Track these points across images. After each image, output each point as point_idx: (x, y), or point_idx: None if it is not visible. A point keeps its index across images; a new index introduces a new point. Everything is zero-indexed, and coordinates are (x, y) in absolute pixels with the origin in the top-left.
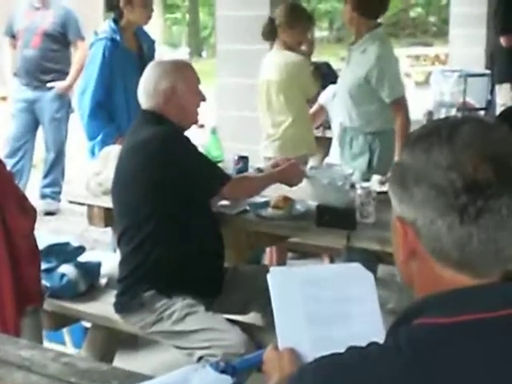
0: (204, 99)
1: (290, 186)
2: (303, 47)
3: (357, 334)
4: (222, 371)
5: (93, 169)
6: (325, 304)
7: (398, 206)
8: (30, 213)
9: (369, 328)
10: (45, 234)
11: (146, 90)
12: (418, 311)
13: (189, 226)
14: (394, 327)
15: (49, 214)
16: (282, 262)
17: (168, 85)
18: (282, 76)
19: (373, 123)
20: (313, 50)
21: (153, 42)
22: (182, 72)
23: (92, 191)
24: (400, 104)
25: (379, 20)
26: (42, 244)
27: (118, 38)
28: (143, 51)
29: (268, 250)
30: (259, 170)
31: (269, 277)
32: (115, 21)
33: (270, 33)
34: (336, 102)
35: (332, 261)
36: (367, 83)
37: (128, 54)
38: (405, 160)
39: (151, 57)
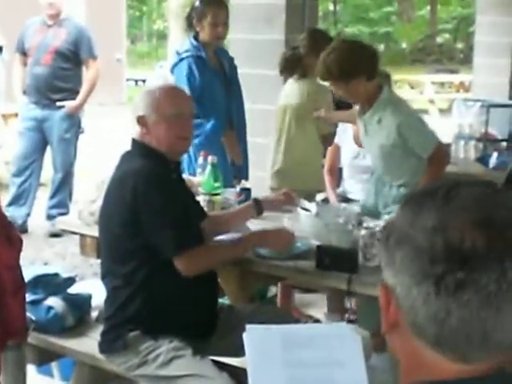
0: (182, 135)
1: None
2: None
3: None
4: None
5: (88, 196)
6: (307, 368)
7: (383, 269)
8: (15, 243)
9: None
10: (35, 264)
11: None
12: None
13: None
14: None
15: (54, 235)
16: (288, 297)
17: (140, 114)
18: (302, 102)
19: (416, 176)
20: None
21: (232, 59)
22: (154, 100)
23: (84, 220)
24: (437, 154)
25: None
26: (29, 275)
27: (203, 54)
28: (225, 69)
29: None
30: (256, 201)
31: (245, 336)
32: (195, 38)
33: (294, 61)
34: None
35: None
36: (396, 150)
37: (214, 70)
38: (395, 219)
39: (235, 75)
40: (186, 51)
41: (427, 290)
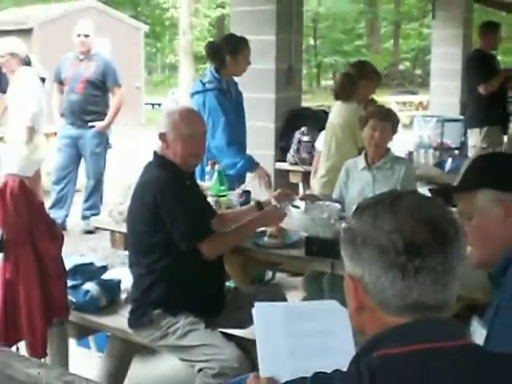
0: (195, 153)
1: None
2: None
3: (333, 366)
4: None
5: (117, 199)
6: (305, 338)
7: (349, 264)
8: (57, 238)
9: (343, 361)
10: (73, 255)
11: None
12: (376, 344)
13: (191, 257)
14: (355, 358)
15: (88, 232)
16: None
17: (162, 131)
18: (344, 122)
19: None
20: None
21: (237, 84)
22: (173, 121)
23: (114, 218)
24: None
25: None
26: (69, 264)
27: (224, 86)
28: (232, 94)
29: None
30: (258, 203)
31: (253, 312)
32: (217, 70)
33: (345, 87)
34: None
35: None
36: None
37: (229, 99)
38: (354, 225)
39: (241, 100)
40: (210, 82)
41: (394, 276)
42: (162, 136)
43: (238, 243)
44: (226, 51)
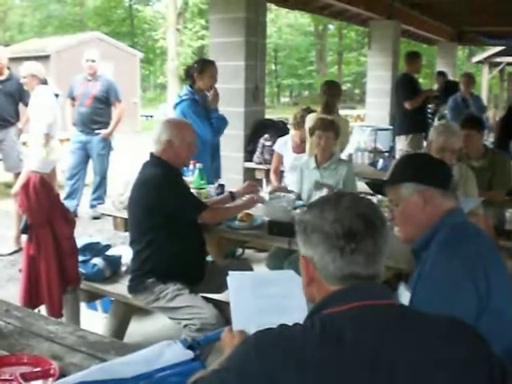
0: (192, 155)
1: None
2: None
3: (291, 321)
4: (189, 346)
5: (118, 191)
6: (269, 299)
7: (302, 247)
8: (70, 222)
9: (299, 317)
10: (83, 236)
11: (154, 138)
12: (324, 305)
13: (178, 236)
14: (309, 315)
15: (95, 218)
16: None
17: (167, 138)
18: None
19: None
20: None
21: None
22: (179, 131)
23: (116, 207)
24: None
25: None
26: (80, 243)
27: (196, 97)
28: (206, 106)
29: None
30: (231, 193)
31: (228, 279)
32: (191, 86)
33: (331, 105)
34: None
35: None
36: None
37: (202, 108)
38: (305, 217)
39: (213, 110)
40: (185, 95)
41: (334, 255)
42: (168, 142)
43: (228, 217)
44: (195, 71)
